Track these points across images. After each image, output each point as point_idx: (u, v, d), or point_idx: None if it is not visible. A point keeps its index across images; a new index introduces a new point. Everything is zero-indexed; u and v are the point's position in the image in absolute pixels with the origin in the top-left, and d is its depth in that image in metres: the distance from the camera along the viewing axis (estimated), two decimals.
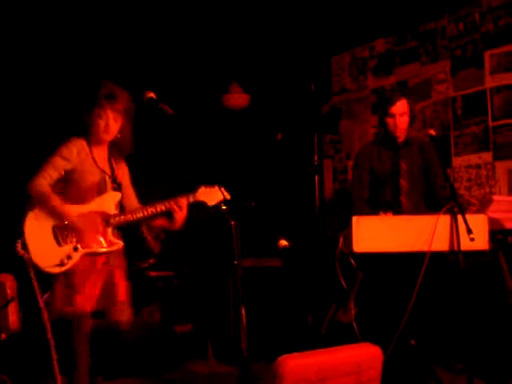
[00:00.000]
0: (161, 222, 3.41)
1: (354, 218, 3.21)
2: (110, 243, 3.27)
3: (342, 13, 5.52)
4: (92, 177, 3.30)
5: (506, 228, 3.50)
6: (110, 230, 3.27)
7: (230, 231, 2.40)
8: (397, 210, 3.80)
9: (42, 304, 3.01)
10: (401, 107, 3.92)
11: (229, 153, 6.04)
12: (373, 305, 3.65)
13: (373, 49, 5.77)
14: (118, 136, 3.36)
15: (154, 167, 5.82)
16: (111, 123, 3.28)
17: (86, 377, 3.17)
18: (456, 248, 3.14)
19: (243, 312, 2.21)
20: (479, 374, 3.55)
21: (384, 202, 3.89)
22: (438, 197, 3.85)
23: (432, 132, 3.66)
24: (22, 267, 3.08)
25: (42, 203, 3.18)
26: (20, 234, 3.15)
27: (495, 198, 3.70)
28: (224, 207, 2.73)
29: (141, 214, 3.29)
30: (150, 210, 3.28)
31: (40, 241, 3.17)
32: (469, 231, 3.09)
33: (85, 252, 3.19)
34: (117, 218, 3.28)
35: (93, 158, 3.32)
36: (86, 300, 3.16)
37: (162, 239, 4.72)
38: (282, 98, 6.16)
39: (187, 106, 4.54)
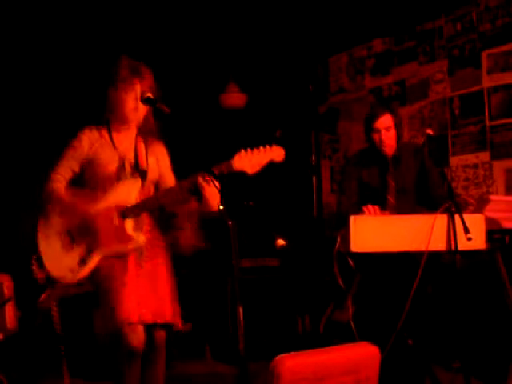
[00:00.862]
0: (193, 206, 2.89)
1: (352, 218, 3.21)
2: (127, 238, 2.80)
3: (340, 13, 5.53)
4: (110, 165, 2.88)
5: (504, 227, 3.50)
6: (129, 224, 2.81)
7: (227, 231, 2.39)
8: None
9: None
10: (385, 122, 3.83)
11: (226, 153, 6.02)
12: (370, 304, 3.65)
13: (370, 49, 5.78)
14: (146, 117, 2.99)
15: None
16: (137, 100, 2.88)
17: None
18: (453, 248, 3.14)
19: (241, 311, 2.21)
20: (477, 374, 3.56)
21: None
22: (436, 196, 3.85)
23: (430, 131, 3.65)
24: (20, 267, 3.04)
25: (60, 209, 2.86)
26: (34, 248, 2.88)
27: (492, 197, 3.70)
28: (221, 207, 2.64)
29: (156, 201, 2.82)
30: (170, 193, 2.80)
31: (53, 248, 2.85)
32: (466, 231, 3.09)
33: (102, 254, 2.78)
34: (134, 209, 2.81)
35: (112, 144, 2.92)
36: (128, 310, 2.69)
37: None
38: (279, 98, 6.16)
39: (185, 106, 4.53)
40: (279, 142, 2.82)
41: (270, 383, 2.15)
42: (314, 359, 2.29)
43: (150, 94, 2.79)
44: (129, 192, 2.85)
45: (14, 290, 3.46)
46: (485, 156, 4.86)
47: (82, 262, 2.76)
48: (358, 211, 3.60)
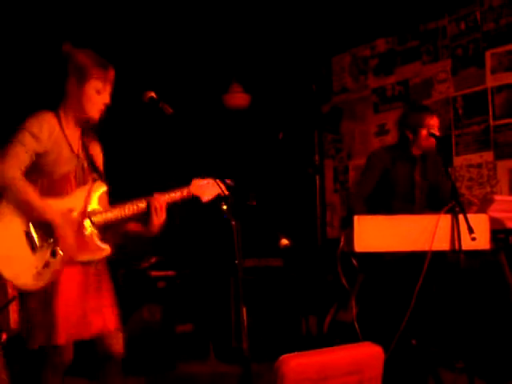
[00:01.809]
0: (133, 227, 2.76)
1: (356, 218, 3.21)
2: (96, 248, 2.63)
3: (343, 12, 5.52)
4: (67, 164, 2.62)
5: (508, 227, 3.49)
6: (95, 232, 2.62)
7: (231, 231, 2.39)
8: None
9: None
10: (437, 120, 3.86)
11: (230, 153, 6.04)
12: (374, 304, 3.64)
13: (374, 48, 5.77)
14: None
15: (153, 167, 5.83)
16: (108, 100, 2.68)
17: None
18: (457, 247, 3.14)
19: (244, 312, 2.20)
20: (480, 374, 3.55)
21: (393, 211, 3.82)
22: (442, 196, 3.83)
23: (435, 132, 3.65)
24: None
25: (13, 196, 2.47)
26: None
27: (496, 197, 3.70)
28: (225, 206, 2.62)
29: (119, 214, 2.64)
30: (130, 208, 2.64)
31: (9, 247, 2.47)
32: (470, 231, 3.08)
33: (66, 258, 2.51)
34: (100, 217, 2.62)
35: (66, 140, 2.63)
36: (71, 328, 2.52)
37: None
38: (282, 98, 6.16)
39: (188, 106, 4.54)
40: (282, 144, 2.82)
41: (274, 383, 2.15)
42: (318, 359, 2.29)
43: (153, 94, 2.77)
44: (91, 197, 2.65)
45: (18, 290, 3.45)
46: (488, 156, 4.86)
47: (46, 265, 2.48)
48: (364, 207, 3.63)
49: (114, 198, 2.82)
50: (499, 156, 4.79)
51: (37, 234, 2.50)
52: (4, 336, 3.32)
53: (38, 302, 2.51)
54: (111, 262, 2.88)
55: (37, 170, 2.57)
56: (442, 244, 3.21)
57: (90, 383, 2.79)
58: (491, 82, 4.84)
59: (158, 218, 2.65)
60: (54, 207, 2.52)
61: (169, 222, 2.76)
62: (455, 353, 3.71)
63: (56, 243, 2.50)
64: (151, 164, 5.82)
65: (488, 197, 4.04)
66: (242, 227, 2.45)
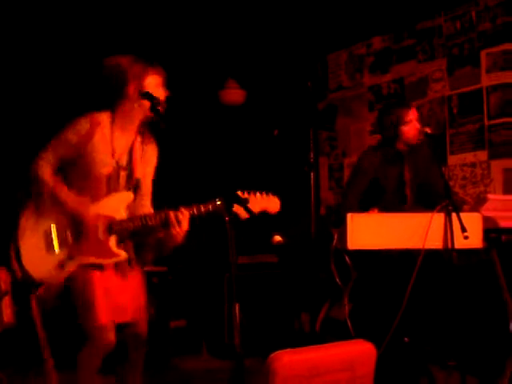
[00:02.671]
0: (158, 235, 2.87)
1: (349, 215, 3.22)
2: (110, 254, 2.74)
3: (339, 10, 5.52)
4: (103, 167, 2.73)
5: (500, 227, 3.50)
6: (113, 238, 2.74)
7: (224, 227, 2.40)
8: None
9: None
10: (415, 113, 3.87)
11: (224, 148, 6.03)
12: (367, 302, 3.65)
13: (370, 46, 5.77)
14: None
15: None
16: (166, 93, 2.81)
17: None
18: (450, 246, 3.15)
19: (237, 308, 2.21)
20: (472, 371, 3.57)
21: (385, 209, 3.84)
22: (435, 195, 3.84)
23: (428, 130, 3.65)
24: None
25: (45, 193, 2.67)
26: (13, 235, 2.72)
27: (490, 196, 3.71)
28: (219, 202, 2.64)
29: (139, 223, 2.73)
30: (151, 220, 2.72)
31: (34, 244, 2.69)
32: (463, 229, 3.09)
33: (82, 262, 2.68)
34: (121, 225, 2.73)
35: (111, 144, 2.74)
36: (110, 312, 2.69)
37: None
38: (278, 95, 6.16)
39: (183, 102, 4.53)
40: (277, 141, 2.82)
41: (265, 379, 2.16)
42: (310, 356, 2.30)
43: (148, 89, 2.77)
44: (119, 205, 2.76)
45: (10, 284, 3.45)
46: (483, 155, 4.87)
47: (61, 266, 2.67)
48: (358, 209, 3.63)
49: None
50: (493, 155, 4.80)
51: (61, 235, 2.69)
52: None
53: (76, 290, 2.68)
54: None
55: (70, 166, 2.73)
56: (435, 242, 3.22)
57: (104, 378, 2.82)
58: (486, 81, 4.85)
59: (178, 230, 2.69)
60: (83, 212, 2.68)
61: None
62: (447, 351, 3.73)
63: (76, 247, 2.68)
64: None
65: (481, 196, 4.05)
66: (236, 223, 2.45)
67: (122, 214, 2.75)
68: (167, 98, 2.83)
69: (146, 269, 4.97)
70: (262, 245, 5.21)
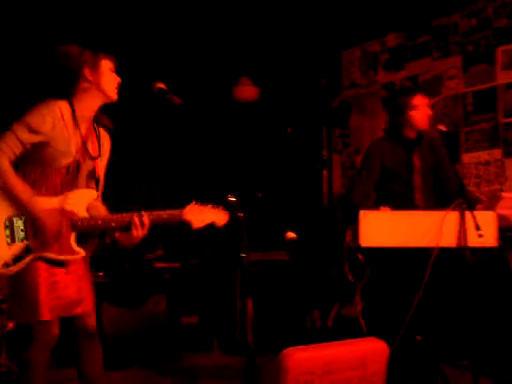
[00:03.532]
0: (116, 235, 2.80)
1: (362, 212, 3.20)
2: (70, 251, 2.68)
3: (354, 7, 5.50)
4: (63, 158, 2.66)
5: None
6: (73, 235, 2.67)
7: (237, 223, 2.39)
8: (409, 205, 3.74)
9: None
10: (424, 99, 3.84)
11: (238, 145, 6.03)
12: (379, 299, 3.64)
13: (384, 43, 5.74)
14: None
15: (162, 160, 5.84)
16: (119, 79, 2.80)
17: None
18: (464, 244, 3.13)
19: (250, 304, 2.21)
20: (485, 372, 3.54)
21: (395, 197, 3.83)
22: (449, 193, 3.81)
23: (442, 127, 3.63)
24: None
25: (3, 185, 2.57)
26: None
27: (504, 194, 3.68)
28: (233, 199, 2.62)
29: (102, 224, 2.68)
30: (114, 222, 2.67)
31: None
32: (477, 228, 3.07)
33: (37, 256, 2.61)
34: (84, 223, 2.67)
35: (71, 133, 2.68)
36: (55, 306, 2.65)
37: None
38: (291, 92, 6.15)
39: (197, 98, 4.54)
40: (290, 138, 2.81)
41: (276, 376, 2.15)
42: (322, 353, 2.29)
43: (162, 85, 2.77)
44: (82, 202, 2.70)
45: None
46: (497, 153, 4.83)
47: (17, 259, 2.58)
48: (370, 205, 3.60)
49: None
50: (508, 154, 4.77)
51: (17, 227, 2.59)
52: (11, 325, 3.33)
53: (22, 282, 2.61)
54: (118, 254, 2.91)
55: (35, 159, 2.64)
56: (449, 240, 3.20)
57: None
58: (502, 78, 4.81)
59: (138, 234, 2.66)
60: (41, 203, 2.59)
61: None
62: (460, 350, 3.70)
63: (33, 238, 2.60)
64: (159, 156, 5.83)
65: (496, 194, 4.01)
66: (249, 220, 2.45)
67: (84, 211, 2.70)
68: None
69: (158, 265, 5.03)
70: (275, 241, 5.20)
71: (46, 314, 2.61)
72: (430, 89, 5.27)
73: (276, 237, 5.13)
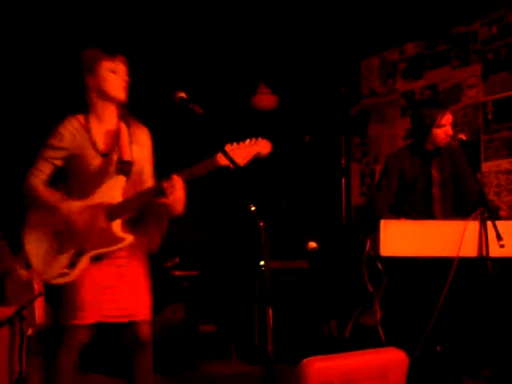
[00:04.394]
0: (160, 209, 2.77)
1: (382, 222, 3.20)
2: (116, 240, 2.71)
3: (373, 16, 5.50)
4: (93, 160, 2.75)
5: None
6: (116, 224, 2.71)
7: (257, 232, 2.39)
8: (427, 218, 3.73)
9: None
10: (450, 118, 3.84)
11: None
12: (399, 309, 3.62)
13: (403, 52, 5.73)
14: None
15: (182, 168, 5.85)
16: (126, 78, 2.81)
17: None
18: (485, 254, 3.11)
19: (270, 313, 2.20)
20: (506, 383, 3.51)
21: (414, 209, 3.82)
22: (470, 202, 3.79)
23: (463, 136, 3.62)
24: None
25: (38, 204, 2.73)
26: (19, 246, 2.74)
27: None
28: (253, 208, 2.61)
29: (135, 201, 2.72)
30: (147, 193, 2.71)
31: (41, 249, 2.71)
32: (498, 237, 3.05)
33: (91, 256, 2.68)
34: (119, 207, 2.71)
35: (90, 137, 2.76)
36: (97, 310, 2.67)
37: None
38: (310, 100, 6.15)
39: (216, 107, 4.55)
40: (309, 146, 2.83)
41: None
42: (341, 363, 2.28)
43: (183, 94, 2.77)
44: (113, 190, 2.74)
45: (43, 286, 3.49)
46: None
47: (72, 265, 2.66)
48: (393, 216, 3.59)
49: None
50: None
51: (63, 236, 2.69)
52: (30, 331, 3.36)
53: (67, 287, 2.66)
54: None
55: (68, 171, 2.78)
56: (470, 250, 3.18)
57: (118, 381, 2.82)
58: None
59: (175, 198, 2.67)
60: (77, 207, 2.69)
61: None
62: (480, 360, 3.67)
63: (80, 244, 2.67)
64: (178, 165, 5.85)
65: None
66: (269, 228, 2.45)
67: (117, 198, 2.72)
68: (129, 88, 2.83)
69: (177, 273, 5.03)
70: (295, 250, 5.20)
71: (86, 318, 2.63)
72: (449, 98, 5.26)
73: (296, 245, 5.12)
